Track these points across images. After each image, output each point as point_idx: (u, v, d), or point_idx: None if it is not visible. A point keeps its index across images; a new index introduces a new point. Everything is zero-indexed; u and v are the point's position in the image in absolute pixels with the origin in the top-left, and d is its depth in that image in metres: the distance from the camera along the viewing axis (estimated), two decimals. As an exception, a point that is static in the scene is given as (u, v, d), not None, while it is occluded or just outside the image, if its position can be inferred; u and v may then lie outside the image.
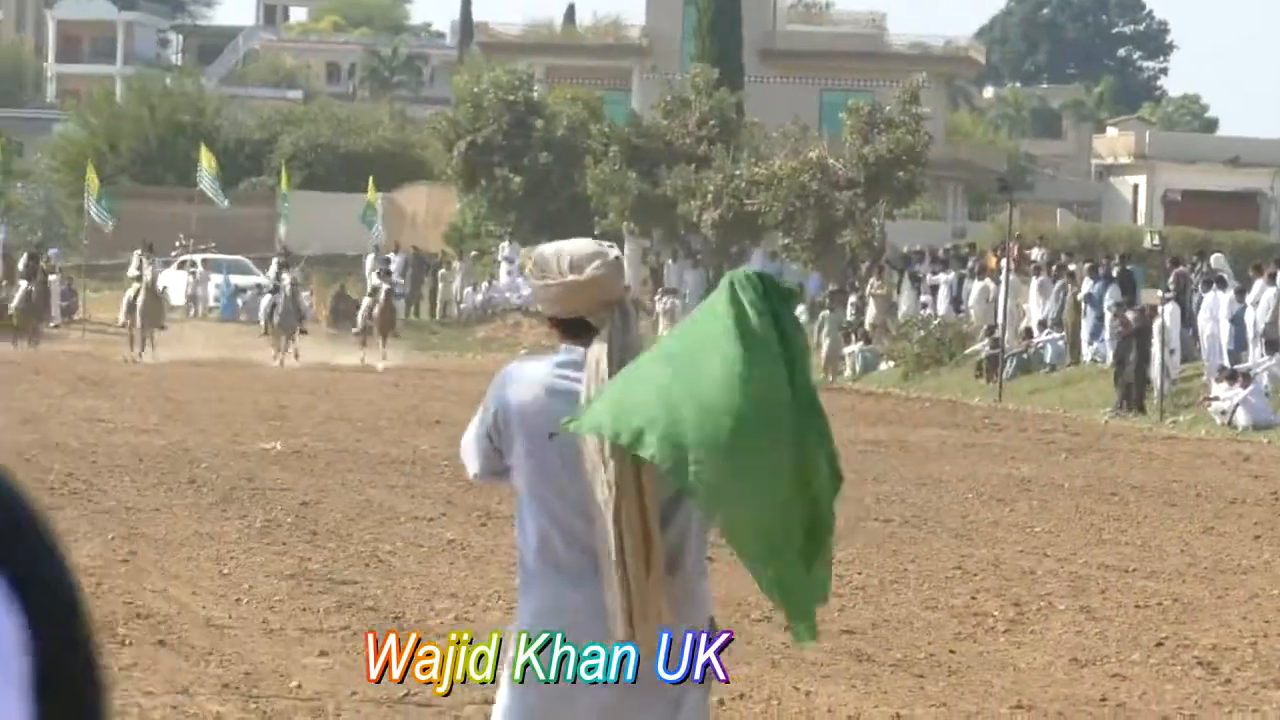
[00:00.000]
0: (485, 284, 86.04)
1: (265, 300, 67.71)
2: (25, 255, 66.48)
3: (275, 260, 69.37)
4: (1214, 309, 52.49)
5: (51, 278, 70.53)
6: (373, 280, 70.31)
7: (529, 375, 9.16)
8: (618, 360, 8.47)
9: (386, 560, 23.09)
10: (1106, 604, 21.57)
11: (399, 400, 48.56)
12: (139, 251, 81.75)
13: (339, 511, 27.62)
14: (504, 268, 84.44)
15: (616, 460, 8.73)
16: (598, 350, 8.91)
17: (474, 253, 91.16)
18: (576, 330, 9.02)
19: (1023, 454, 41.08)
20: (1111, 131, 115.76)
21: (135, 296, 58.80)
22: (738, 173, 72.38)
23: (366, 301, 64.74)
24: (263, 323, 66.36)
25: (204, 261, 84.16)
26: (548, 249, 9.38)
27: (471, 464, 9.38)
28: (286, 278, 64.81)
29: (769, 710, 15.30)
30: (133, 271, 67.88)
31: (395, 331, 62.73)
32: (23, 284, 63.86)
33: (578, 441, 8.81)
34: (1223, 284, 52.40)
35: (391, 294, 67.08)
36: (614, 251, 9.53)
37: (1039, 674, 17.40)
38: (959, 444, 41.96)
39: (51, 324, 67.87)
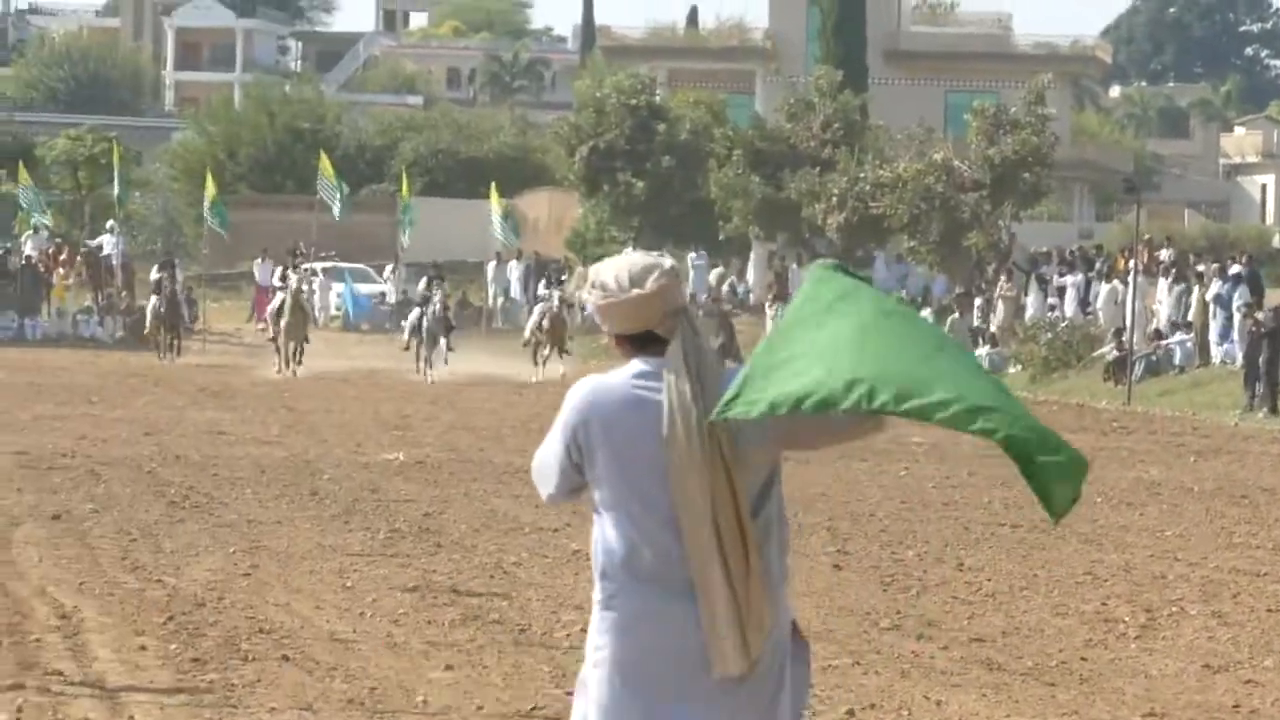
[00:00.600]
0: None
1: (413, 313, 65.38)
2: (155, 267, 66.25)
3: (426, 276, 67.52)
4: (1351, 309, 51.75)
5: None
6: (540, 289, 69.95)
7: (607, 389, 9.19)
8: (694, 365, 8.54)
9: (511, 572, 22.99)
10: (1239, 609, 21.57)
11: (521, 409, 48.32)
12: (269, 258, 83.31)
13: (463, 522, 27.58)
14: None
15: (709, 464, 8.79)
16: (675, 357, 8.96)
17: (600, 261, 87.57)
18: (643, 343, 9.10)
19: (1152, 457, 41.33)
20: (1239, 130, 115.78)
21: (280, 308, 57.66)
22: (862, 176, 72.84)
23: (538, 310, 62.63)
24: (406, 336, 64.17)
25: (325, 270, 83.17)
26: (603, 268, 9.42)
27: (547, 484, 9.42)
28: (438, 293, 62.96)
29: (900, 720, 15.28)
30: (276, 281, 67.51)
31: (565, 347, 60.23)
32: (152, 298, 63.88)
33: (663, 451, 8.91)
34: (1356, 283, 52.36)
35: (564, 304, 64.27)
36: (669, 261, 9.49)
37: (1171, 681, 17.39)
38: (1088, 447, 41.59)
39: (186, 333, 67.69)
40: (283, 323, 56.16)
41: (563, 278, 72.21)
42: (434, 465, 35.55)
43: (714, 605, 8.90)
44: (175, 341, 61.45)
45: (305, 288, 61.83)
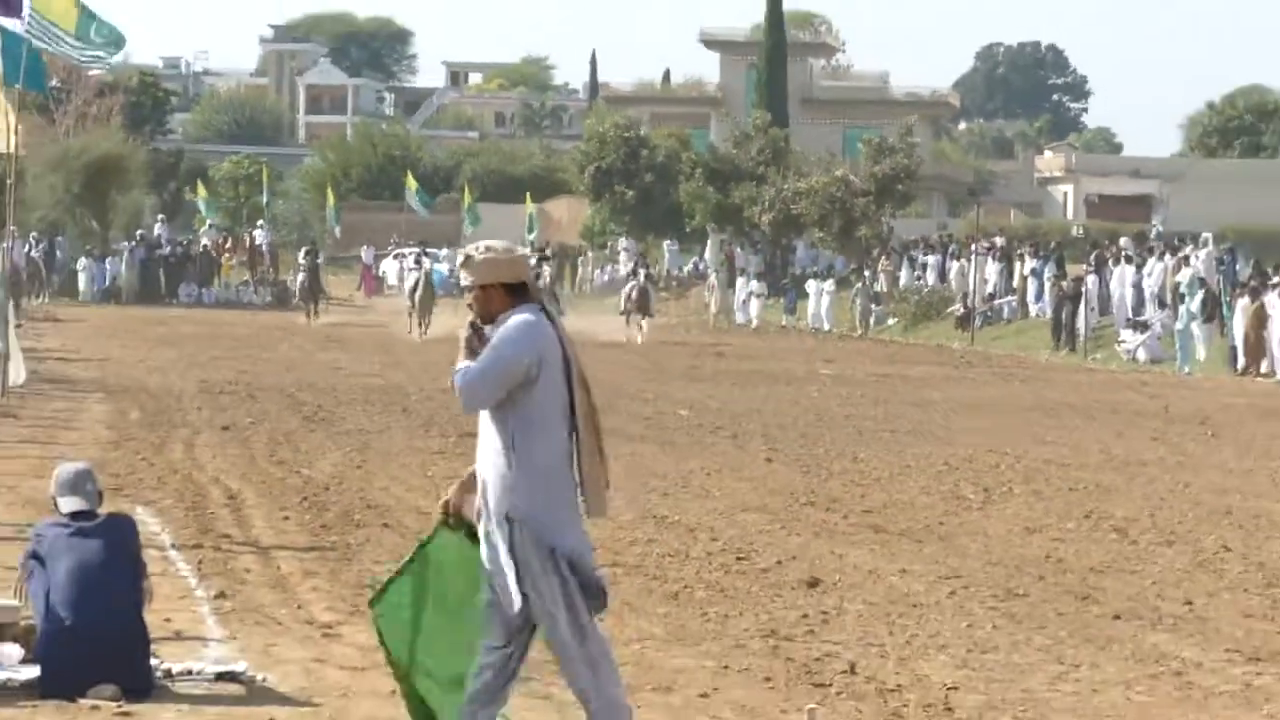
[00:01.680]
0: (609, 267, 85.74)
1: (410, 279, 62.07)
2: (302, 251, 65.23)
3: (536, 254, 62.93)
4: (1122, 278, 53.80)
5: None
6: (629, 266, 68.42)
7: (543, 329, 9.25)
8: (551, 300, 9.03)
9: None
10: (1049, 488, 21.90)
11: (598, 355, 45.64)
12: (371, 245, 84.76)
13: None
14: (622, 256, 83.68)
15: (583, 386, 9.24)
16: (541, 306, 9.29)
17: (603, 247, 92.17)
18: (515, 291, 9.23)
19: (988, 383, 41.82)
20: (1048, 154, 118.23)
21: (415, 285, 55.16)
22: (785, 187, 73.65)
23: (628, 286, 58.86)
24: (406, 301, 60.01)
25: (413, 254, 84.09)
26: (482, 244, 9.62)
27: (485, 395, 9.27)
28: (546, 269, 61.16)
29: (813, 567, 15.38)
30: (410, 264, 67.30)
31: (650, 312, 57.33)
32: (300, 274, 62.83)
33: (557, 376, 9.18)
34: (1129, 260, 53.79)
35: (650, 278, 61.86)
36: (518, 247, 10.07)
37: (1002, 539, 17.59)
38: (943, 377, 42.67)
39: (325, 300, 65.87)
40: (417, 296, 53.85)
41: (647, 262, 70.20)
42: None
43: (595, 475, 9.19)
44: (315, 306, 59.77)
45: (430, 269, 59.57)
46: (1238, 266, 51.43)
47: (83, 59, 24.69)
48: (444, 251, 78.69)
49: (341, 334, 54.79)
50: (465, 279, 9.55)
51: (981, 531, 18.28)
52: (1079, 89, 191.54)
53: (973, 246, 63.94)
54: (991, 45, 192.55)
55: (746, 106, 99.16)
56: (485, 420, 9.41)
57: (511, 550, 9.20)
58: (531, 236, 78.16)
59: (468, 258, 9.53)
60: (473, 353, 9.33)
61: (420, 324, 52.71)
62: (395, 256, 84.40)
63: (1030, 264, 61.12)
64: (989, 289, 63.34)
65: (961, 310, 61.44)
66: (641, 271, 59.07)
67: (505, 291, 9.30)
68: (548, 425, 9.32)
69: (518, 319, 9.16)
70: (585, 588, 9.22)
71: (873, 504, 20.17)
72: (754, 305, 70.28)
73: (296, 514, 18.35)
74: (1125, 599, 14.58)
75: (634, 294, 55.95)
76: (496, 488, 9.28)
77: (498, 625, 9.23)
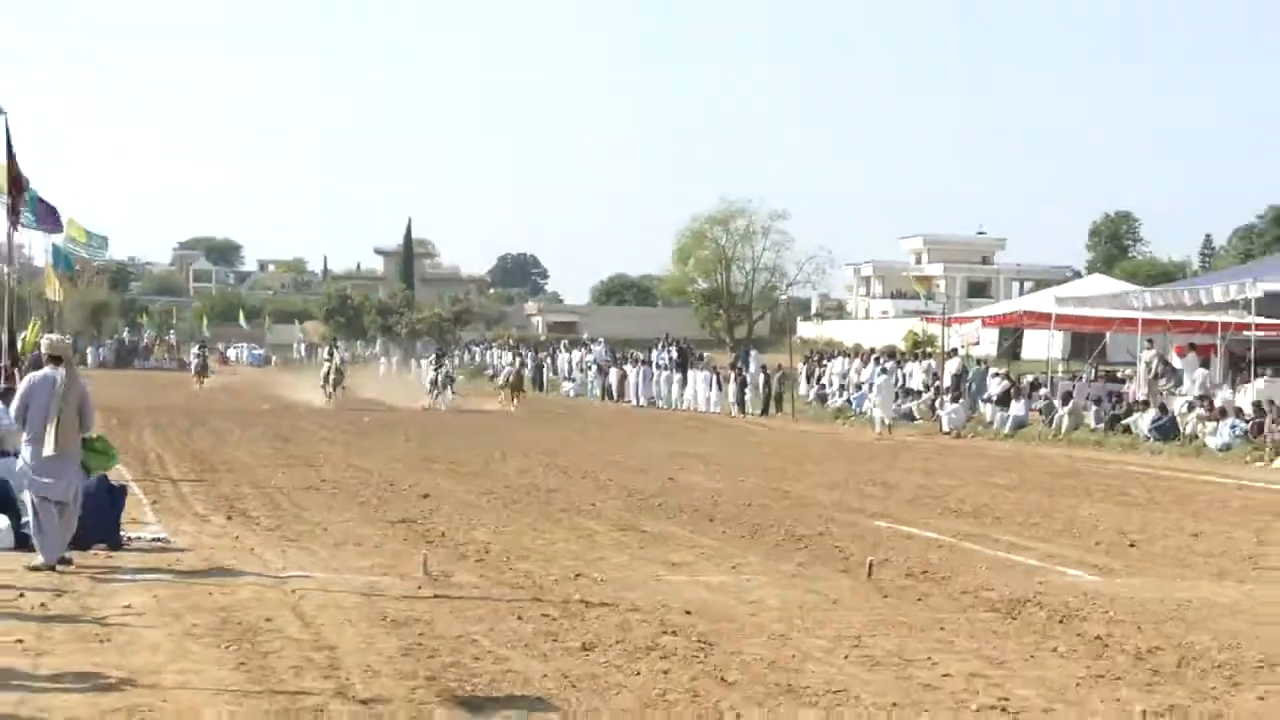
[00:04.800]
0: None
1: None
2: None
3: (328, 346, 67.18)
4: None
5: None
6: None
7: (43, 375, 13.66)
8: (68, 370, 13.74)
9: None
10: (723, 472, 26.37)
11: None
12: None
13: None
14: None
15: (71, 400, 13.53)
16: (65, 367, 13.64)
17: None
18: (53, 360, 13.70)
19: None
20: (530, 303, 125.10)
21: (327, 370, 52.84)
22: (413, 317, 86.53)
23: (324, 367, 54.07)
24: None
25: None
26: (53, 336, 14.83)
27: (16, 419, 13.57)
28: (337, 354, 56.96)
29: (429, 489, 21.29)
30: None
31: (343, 385, 52.85)
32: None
33: (56, 398, 13.49)
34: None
35: (343, 360, 56.95)
36: (64, 338, 14.67)
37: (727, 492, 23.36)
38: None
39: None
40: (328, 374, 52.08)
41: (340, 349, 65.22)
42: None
43: (67, 445, 13.47)
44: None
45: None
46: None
47: (89, 254, 39.30)
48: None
49: (220, 386, 61.73)
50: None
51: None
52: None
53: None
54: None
55: (395, 280, 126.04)
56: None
57: None
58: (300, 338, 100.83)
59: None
60: None
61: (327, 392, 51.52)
62: (234, 347, 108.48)
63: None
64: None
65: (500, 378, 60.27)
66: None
67: (50, 360, 13.74)
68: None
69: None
70: None
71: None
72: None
73: (191, 467, 24.55)
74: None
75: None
76: None
77: None
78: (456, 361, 73.16)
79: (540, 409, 51.94)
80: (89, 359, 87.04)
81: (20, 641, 10.16)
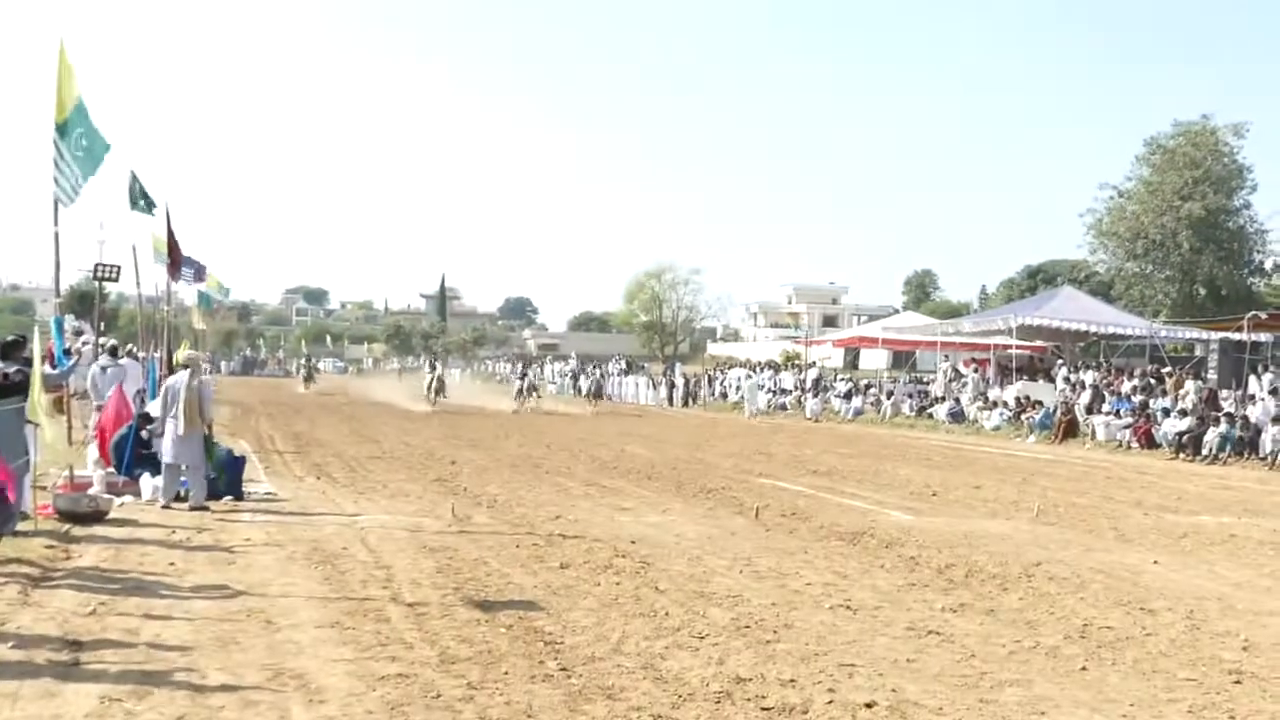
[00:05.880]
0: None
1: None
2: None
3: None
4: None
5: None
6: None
7: (175, 377, 13.03)
8: (194, 373, 13.22)
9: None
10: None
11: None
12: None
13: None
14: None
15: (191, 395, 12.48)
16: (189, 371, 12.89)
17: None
18: (184, 367, 13.21)
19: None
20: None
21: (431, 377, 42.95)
22: (448, 341, 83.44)
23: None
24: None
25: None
26: (183, 352, 13.96)
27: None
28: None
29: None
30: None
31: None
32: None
33: (179, 394, 12.84)
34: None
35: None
36: (193, 352, 13.76)
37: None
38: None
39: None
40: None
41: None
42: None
43: (192, 426, 12.82)
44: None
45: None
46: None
47: (221, 297, 38.31)
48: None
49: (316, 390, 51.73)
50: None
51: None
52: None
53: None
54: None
55: (433, 314, 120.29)
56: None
57: None
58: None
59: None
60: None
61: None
62: (323, 361, 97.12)
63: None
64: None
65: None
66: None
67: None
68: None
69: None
70: None
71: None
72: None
73: (292, 443, 23.37)
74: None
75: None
76: None
77: None
78: (536, 371, 60.02)
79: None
80: (222, 369, 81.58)
81: (172, 564, 9.98)
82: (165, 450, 13.36)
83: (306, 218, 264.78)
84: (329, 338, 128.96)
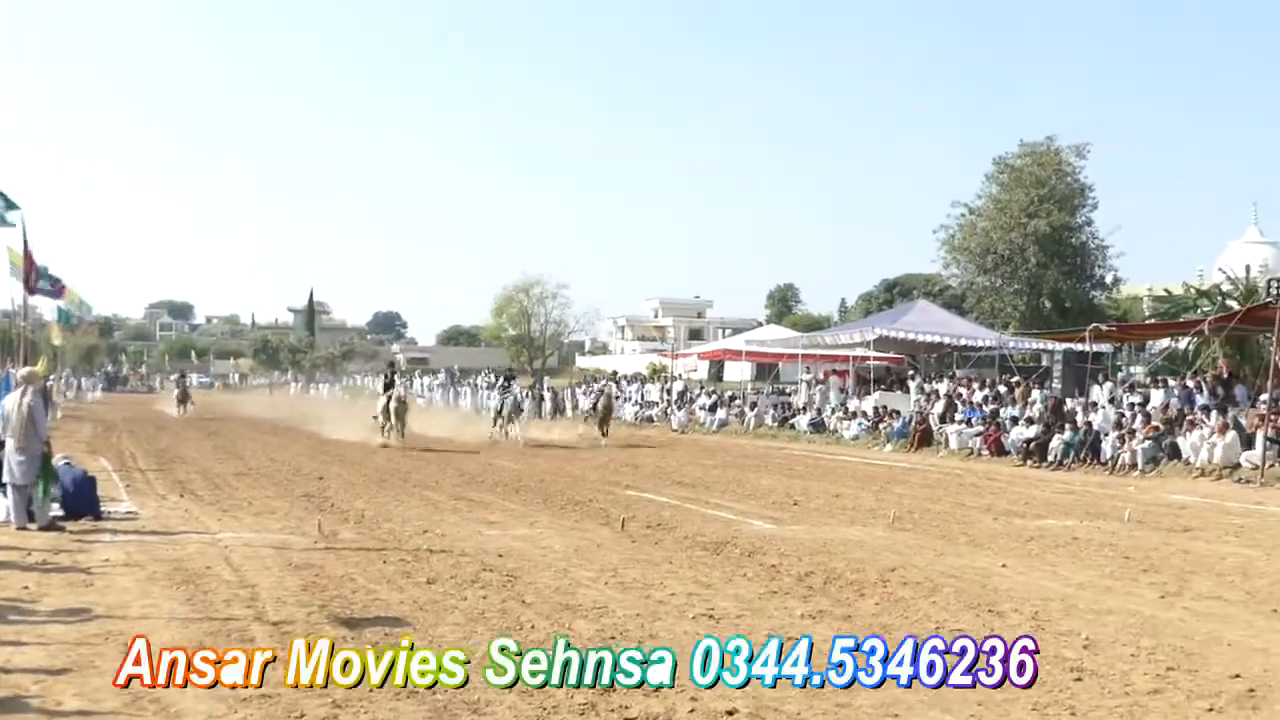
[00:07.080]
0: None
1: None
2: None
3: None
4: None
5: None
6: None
7: (9, 395, 12.44)
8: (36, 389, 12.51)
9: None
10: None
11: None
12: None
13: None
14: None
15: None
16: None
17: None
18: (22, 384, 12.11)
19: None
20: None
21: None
22: (316, 356, 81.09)
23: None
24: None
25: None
26: (20, 370, 12.20)
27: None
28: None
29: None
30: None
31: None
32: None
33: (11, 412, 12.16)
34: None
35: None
36: (27, 370, 12.97)
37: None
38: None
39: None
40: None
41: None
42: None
43: (24, 443, 12.51)
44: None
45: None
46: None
47: (81, 313, 38.43)
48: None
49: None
50: None
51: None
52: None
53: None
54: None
55: (301, 329, 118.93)
56: None
57: None
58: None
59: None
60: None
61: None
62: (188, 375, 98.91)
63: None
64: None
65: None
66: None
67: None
68: None
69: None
70: None
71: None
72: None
73: (154, 460, 23.20)
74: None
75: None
76: None
77: None
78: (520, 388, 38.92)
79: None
80: (83, 385, 77.74)
81: (26, 588, 9.74)
82: (8, 471, 12.95)
83: (170, 230, 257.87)
84: (194, 353, 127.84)
